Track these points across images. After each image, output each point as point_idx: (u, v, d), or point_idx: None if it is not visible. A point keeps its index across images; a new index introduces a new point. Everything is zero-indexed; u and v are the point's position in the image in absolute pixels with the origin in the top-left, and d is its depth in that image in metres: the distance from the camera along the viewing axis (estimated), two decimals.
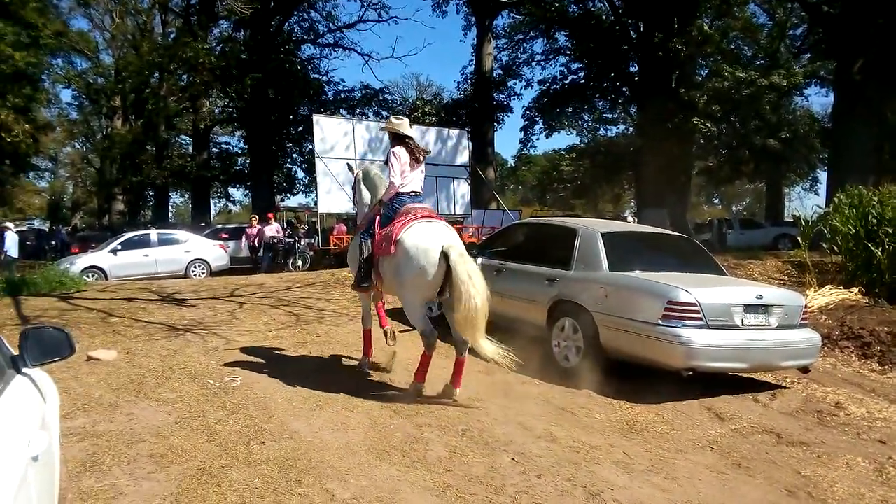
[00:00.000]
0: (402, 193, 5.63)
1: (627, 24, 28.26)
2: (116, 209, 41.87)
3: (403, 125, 5.81)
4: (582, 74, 30.28)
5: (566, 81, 30.02)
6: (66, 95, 43.29)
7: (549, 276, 6.75)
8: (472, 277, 5.09)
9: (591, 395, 6.09)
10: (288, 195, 35.14)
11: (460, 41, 67.85)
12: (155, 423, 4.78)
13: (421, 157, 5.73)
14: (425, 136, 20.58)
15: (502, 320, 7.03)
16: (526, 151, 34.07)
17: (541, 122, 30.95)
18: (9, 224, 17.46)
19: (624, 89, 31.38)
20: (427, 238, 5.31)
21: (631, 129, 32.56)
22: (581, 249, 6.65)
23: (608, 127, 31.53)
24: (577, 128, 30.81)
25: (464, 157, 21.41)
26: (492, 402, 5.69)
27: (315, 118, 19.03)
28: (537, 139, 37.04)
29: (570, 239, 6.78)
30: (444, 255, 5.17)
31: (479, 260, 7.59)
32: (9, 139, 24.15)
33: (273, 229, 18.04)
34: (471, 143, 22.20)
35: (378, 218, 5.71)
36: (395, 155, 5.63)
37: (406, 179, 5.64)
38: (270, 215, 19.23)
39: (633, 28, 28.08)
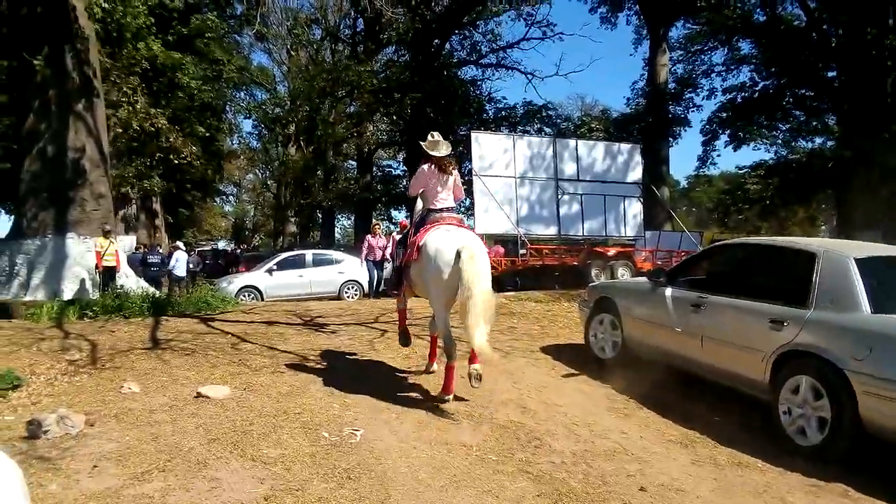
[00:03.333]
0: (433, 209, 5.90)
1: (824, 25, 24.74)
2: (289, 231, 43.99)
3: (433, 145, 5.95)
4: (772, 83, 26.85)
5: (757, 88, 26.77)
6: (247, 125, 46.29)
7: (776, 317, 4.84)
8: (476, 277, 5.14)
9: (849, 493, 4.12)
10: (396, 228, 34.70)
11: (630, 55, 65.20)
12: (238, 497, 3.58)
13: (449, 173, 5.91)
14: (592, 152, 18.88)
15: (702, 370, 5.25)
16: (705, 170, 31.03)
17: (726, 134, 27.83)
18: (179, 244, 17.98)
19: (822, 98, 27.47)
20: (443, 240, 5.47)
21: (829, 142, 28.46)
22: (824, 281, 4.69)
23: (809, 138, 27.54)
24: (771, 139, 27.20)
25: (636, 174, 19.33)
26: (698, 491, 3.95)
27: (473, 135, 17.97)
28: (718, 156, 33.68)
29: (807, 266, 4.83)
30: (458, 256, 5.22)
31: (669, 290, 5.83)
32: (195, 170, 25.74)
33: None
34: (643, 160, 19.98)
35: (412, 230, 6.14)
36: (417, 172, 6.12)
37: (432, 196, 5.92)
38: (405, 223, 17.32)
39: (831, 30, 24.53)
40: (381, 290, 14.94)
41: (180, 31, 22.59)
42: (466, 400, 5.63)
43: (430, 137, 6.06)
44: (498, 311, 10.47)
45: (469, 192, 29.63)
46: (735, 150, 28.26)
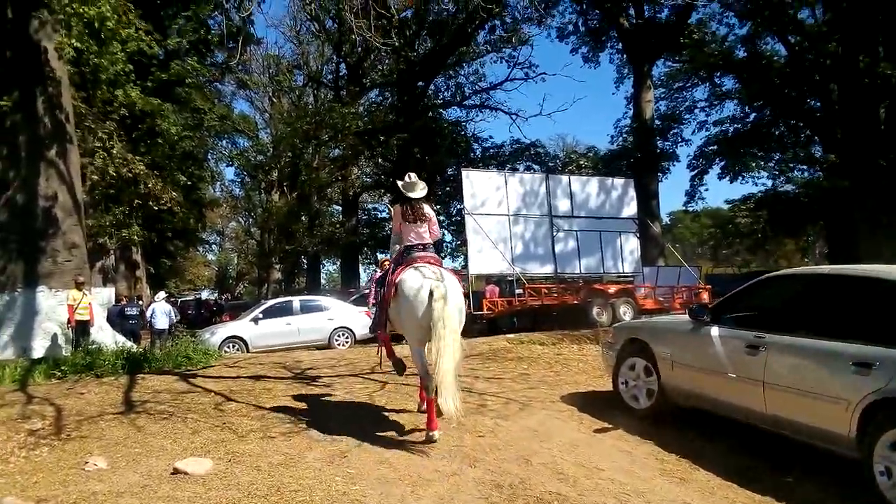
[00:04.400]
0: (409, 246, 5.93)
1: (808, 56, 24.82)
2: (274, 278, 43.17)
3: (409, 186, 6.05)
4: (763, 114, 26.82)
5: (749, 120, 26.66)
6: (229, 173, 45.81)
7: (861, 358, 4.11)
8: (446, 319, 5.21)
9: None
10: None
11: (612, 94, 65.58)
12: None
13: (421, 215, 5.94)
14: (586, 188, 18.38)
15: (764, 423, 4.54)
16: (693, 205, 30.78)
17: (718, 166, 27.61)
18: (160, 294, 17.09)
19: (809, 129, 27.45)
20: (417, 279, 5.50)
21: (816, 173, 28.35)
22: None
23: (804, 168, 27.35)
24: (768, 170, 26.99)
25: (631, 209, 18.82)
26: None
27: (464, 172, 17.40)
28: (706, 190, 33.41)
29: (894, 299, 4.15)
30: (431, 296, 5.29)
31: (716, 329, 5.14)
32: (176, 219, 25.02)
33: None
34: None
35: (391, 268, 6.07)
36: (393, 212, 6.34)
37: (409, 234, 5.95)
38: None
39: (813, 62, 24.57)
40: None
41: (160, 78, 22.11)
42: (483, 460, 4.85)
43: (406, 178, 6.17)
44: (504, 356, 9.84)
45: (462, 232, 29.28)
46: (731, 182, 28.00)
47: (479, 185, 17.01)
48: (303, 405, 6.85)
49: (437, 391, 5.14)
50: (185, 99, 24.74)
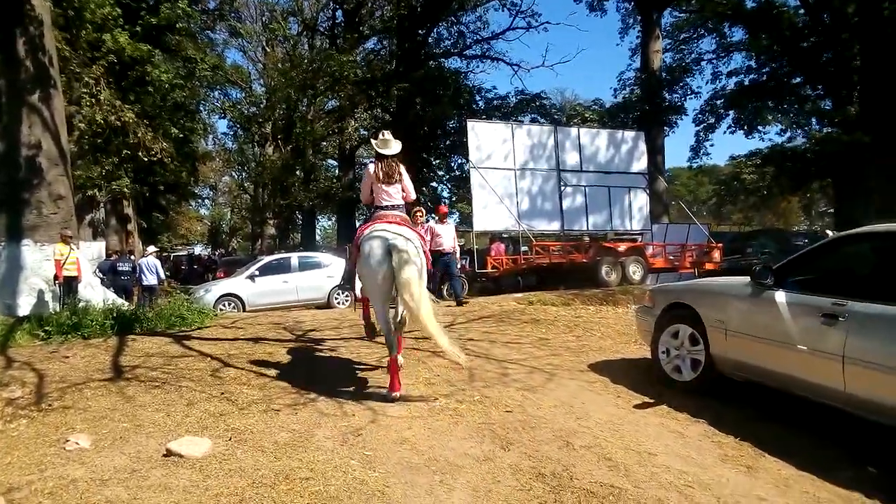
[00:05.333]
0: (379, 207, 5.93)
1: (823, 6, 23.80)
2: (268, 233, 42.41)
3: (383, 143, 5.97)
4: (768, 68, 25.91)
5: (765, 70, 25.70)
6: (222, 125, 44.68)
7: None
8: (408, 273, 5.18)
9: None
10: (433, 216, 33.26)
11: (616, 45, 63.76)
12: None
13: (392, 174, 5.91)
14: (595, 140, 17.61)
15: (845, 403, 3.98)
16: (698, 161, 29.95)
17: (728, 120, 26.74)
18: (149, 248, 16.39)
19: (819, 84, 26.54)
20: (376, 238, 5.47)
21: (827, 128, 27.57)
22: None
23: (815, 123, 26.52)
24: (786, 121, 26.12)
25: (641, 164, 18.07)
26: None
27: (470, 123, 16.57)
28: (711, 145, 32.67)
29: None
30: (388, 255, 5.31)
31: (782, 294, 4.54)
32: (168, 172, 24.18)
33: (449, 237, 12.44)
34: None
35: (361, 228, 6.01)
36: (365, 171, 6.32)
37: (379, 194, 5.94)
38: (443, 209, 13.59)
39: (825, 14, 23.58)
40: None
41: (149, 23, 20.95)
42: (517, 441, 4.29)
43: (380, 136, 6.09)
44: (518, 318, 9.26)
45: (461, 187, 28.52)
46: (747, 136, 27.15)
47: (484, 138, 16.24)
48: (307, 372, 6.28)
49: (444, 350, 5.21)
50: (175, 48, 23.62)
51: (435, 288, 14.25)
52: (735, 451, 4.36)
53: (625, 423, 4.78)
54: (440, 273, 12.88)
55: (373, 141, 6.18)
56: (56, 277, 11.45)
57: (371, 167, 6.02)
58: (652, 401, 5.28)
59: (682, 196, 55.76)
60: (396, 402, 5.17)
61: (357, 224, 36.72)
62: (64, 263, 11.53)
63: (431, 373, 6.16)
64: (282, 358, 6.93)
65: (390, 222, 5.67)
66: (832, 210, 34.70)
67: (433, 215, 16.75)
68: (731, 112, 27.47)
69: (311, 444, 4.33)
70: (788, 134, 28.68)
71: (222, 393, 5.55)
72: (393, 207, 5.90)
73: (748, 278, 5.07)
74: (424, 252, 5.77)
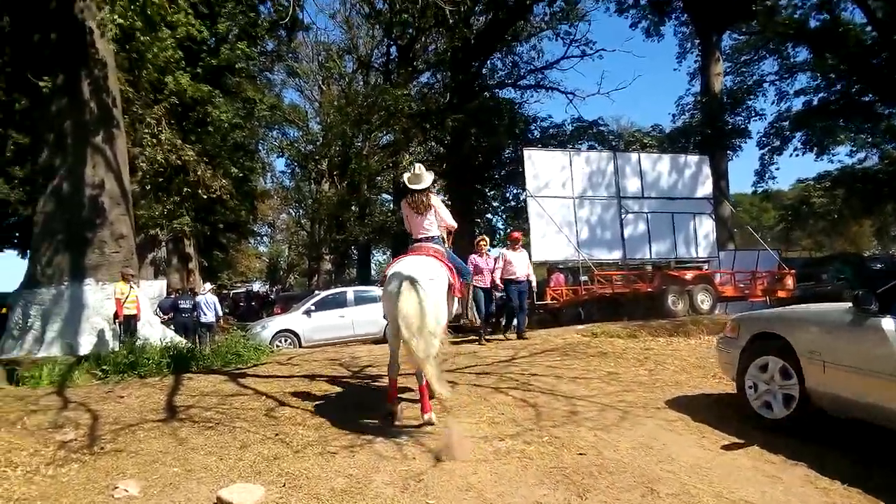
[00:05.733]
0: (415, 239, 6.06)
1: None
2: (324, 269, 42.81)
3: (412, 179, 6.09)
4: (840, 86, 24.90)
5: (836, 88, 24.68)
6: (279, 164, 45.67)
7: None
8: (405, 304, 5.11)
9: None
10: (501, 243, 32.90)
11: (674, 70, 62.50)
12: None
13: (423, 205, 5.97)
14: (657, 166, 17.03)
15: None
16: (763, 185, 28.87)
17: (796, 141, 25.71)
18: (206, 286, 16.49)
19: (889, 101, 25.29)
20: (395, 272, 5.52)
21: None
22: None
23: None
24: (860, 142, 24.95)
25: (706, 189, 17.34)
26: None
27: (526, 152, 16.25)
28: (777, 169, 31.34)
29: None
30: (399, 288, 5.24)
31: (890, 321, 4.03)
32: (228, 210, 24.68)
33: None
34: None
35: None
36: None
37: (415, 228, 6.06)
38: (516, 235, 12.22)
39: None
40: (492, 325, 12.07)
41: (210, 64, 21.54)
42: (595, 488, 3.86)
43: (413, 170, 6.19)
44: (583, 352, 8.79)
45: (516, 218, 28.12)
46: (817, 157, 25.96)
47: (541, 166, 15.87)
48: (364, 411, 5.97)
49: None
50: (235, 89, 24.24)
51: (485, 318, 13.89)
52: (844, 499, 3.82)
53: (713, 467, 4.29)
54: (501, 303, 12.48)
55: (405, 175, 6.30)
56: (116, 316, 11.54)
57: (403, 202, 6.24)
58: (741, 441, 4.75)
59: (746, 222, 54.02)
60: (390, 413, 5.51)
61: None
62: (124, 302, 11.62)
63: (495, 411, 5.77)
64: (338, 396, 6.66)
65: (417, 254, 5.82)
66: None
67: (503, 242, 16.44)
68: (797, 134, 26.39)
69: (370, 491, 4.01)
70: (858, 155, 27.44)
71: (276, 434, 5.29)
72: (427, 239, 6.01)
73: (847, 304, 4.54)
74: (451, 285, 5.80)
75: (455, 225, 6.47)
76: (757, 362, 5.12)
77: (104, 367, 7.98)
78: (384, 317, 6.72)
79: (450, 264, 5.98)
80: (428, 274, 5.49)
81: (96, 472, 4.58)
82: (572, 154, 16.78)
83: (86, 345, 11.16)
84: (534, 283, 11.93)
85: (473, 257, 10.72)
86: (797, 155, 27.27)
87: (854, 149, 26.51)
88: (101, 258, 11.92)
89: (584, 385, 6.66)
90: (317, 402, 6.31)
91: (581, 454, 4.55)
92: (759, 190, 29.80)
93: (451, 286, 5.83)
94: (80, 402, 6.47)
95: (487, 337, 10.62)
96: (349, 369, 8.37)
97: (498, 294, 12.08)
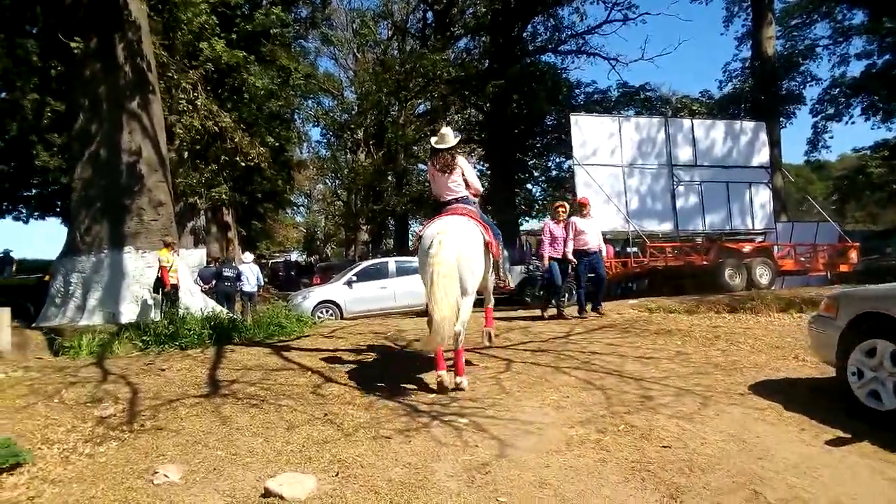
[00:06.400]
0: (441, 202, 6.06)
1: None
2: (361, 239, 42.63)
3: (440, 138, 6.10)
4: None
5: None
6: (315, 134, 45.41)
7: None
8: (437, 252, 5.13)
9: None
10: (526, 218, 32.27)
11: (721, 35, 60.17)
12: None
13: (448, 164, 5.94)
14: (711, 133, 16.22)
15: None
16: (816, 154, 27.67)
17: (858, 107, 24.43)
18: (247, 255, 16.24)
19: None
20: (429, 230, 5.56)
21: None
22: None
23: None
24: None
25: (762, 157, 16.47)
26: None
27: (573, 118, 15.57)
28: (831, 137, 29.83)
29: None
30: (431, 245, 5.27)
31: None
32: (265, 180, 24.47)
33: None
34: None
35: None
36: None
37: (442, 190, 6.04)
38: (584, 200, 11.09)
39: None
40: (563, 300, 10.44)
41: (244, 30, 21.12)
42: (689, 490, 3.38)
43: (439, 133, 6.18)
44: (644, 328, 8.26)
45: (559, 188, 27.41)
46: (885, 122, 24.61)
47: (589, 132, 15.20)
48: (416, 389, 5.58)
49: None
50: (270, 57, 23.85)
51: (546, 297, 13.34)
52: None
53: (821, 467, 3.77)
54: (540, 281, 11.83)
55: (432, 139, 6.27)
56: (164, 284, 11.32)
57: (429, 163, 6.22)
58: (848, 436, 4.19)
59: (791, 194, 52.23)
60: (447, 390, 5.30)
61: None
62: (169, 270, 11.41)
63: (559, 393, 5.30)
64: (386, 372, 6.26)
65: (449, 215, 5.72)
66: None
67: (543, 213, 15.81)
68: (855, 99, 25.02)
69: (432, 485, 3.59)
70: None
71: (325, 414, 4.90)
72: (457, 200, 5.94)
73: None
74: (487, 243, 5.74)
75: (481, 189, 6.37)
76: (862, 346, 4.53)
77: (144, 338, 7.73)
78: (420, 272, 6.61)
79: (483, 223, 5.90)
80: (462, 231, 5.46)
81: (135, 453, 4.26)
82: (622, 120, 16.04)
83: (127, 313, 10.99)
84: (605, 254, 10.79)
85: (550, 224, 9.86)
86: (852, 123, 25.97)
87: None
88: (139, 226, 11.69)
89: (652, 366, 6.15)
90: (365, 379, 5.93)
91: (665, 447, 4.06)
92: (812, 159, 28.60)
93: (487, 244, 5.77)
94: (119, 375, 6.20)
95: (548, 313, 9.94)
96: (396, 343, 8.00)
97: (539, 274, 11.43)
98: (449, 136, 6.07)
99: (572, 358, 6.57)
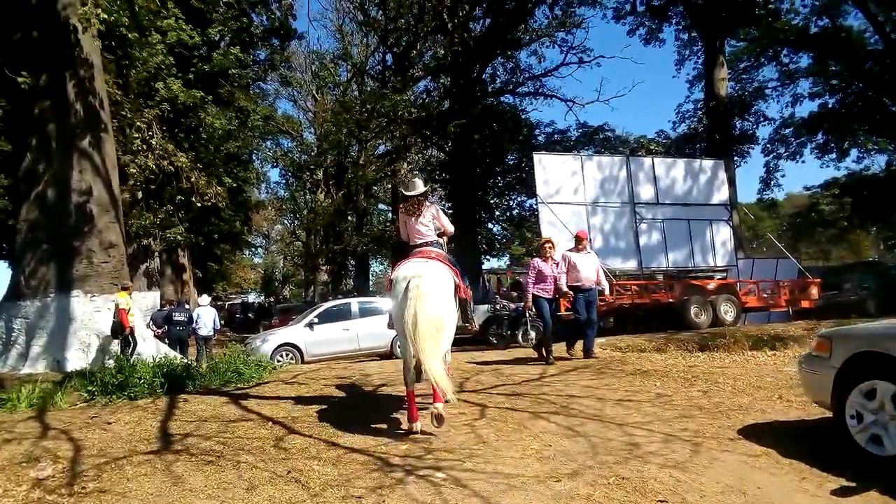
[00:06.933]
0: (413, 245, 6.12)
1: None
2: (320, 280, 41.99)
3: (411, 185, 6.29)
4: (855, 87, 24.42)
5: (852, 90, 24.15)
6: (274, 175, 45.04)
7: None
8: (417, 301, 5.13)
9: None
10: (487, 257, 32.18)
11: (672, 77, 62.30)
12: None
13: (418, 208, 6.10)
14: (671, 171, 16.37)
15: None
16: (768, 192, 28.36)
17: (810, 146, 25.13)
18: (204, 298, 15.63)
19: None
20: (401, 272, 5.58)
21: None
22: None
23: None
24: (882, 144, 24.37)
25: (722, 195, 16.67)
26: None
27: (536, 156, 15.57)
28: (782, 176, 30.70)
29: None
30: (407, 289, 5.29)
31: None
32: (222, 221, 23.95)
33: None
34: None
35: None
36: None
37: (412, 234, 6.17)
38: (582, 234, 10.42)
39: None
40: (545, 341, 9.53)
41: (202, 70, 20.78)
42: None
43: (409, 179, 6.49)
44: (618, 368, 8.04)
45: (526, 225, 27.41)
46: (839, 160, 25.46)
47: (552, 171, 15.18)
48: (387, 440, 5.18)
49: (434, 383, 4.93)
50: (228, 98, 23.54)
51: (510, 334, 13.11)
52: None
53: None
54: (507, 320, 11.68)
55: (400, 188, 6.68)
56: (123, 329, 10.81)
57: (400, 208, 6.44)
58: (853, 484, 3.95)
59: (742, 233, 53.46)
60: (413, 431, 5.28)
61: None
62: (128, 314, 10.91)
63: (541, 442, 4.98)
64: (354, 422, 5.84)
65: (420, 257, 5.81)
66: None
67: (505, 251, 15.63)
68: (806, 138, 25.83)
69: None
70: (865, 161, 26.93)
71: (289, 471, 4.48)
72: (426, 244, 6.06)
73: None
74: (458, 286, 5.82)
75: (452, 229, 6.46)
76: (861, 387, 4.31)
77: (90, 388, 7.17)
78: (388, 325, 6.75)
79: (452, 266, 5.95)
80: (434, 274, 5.50)
81: None
82: (584, 159, 16.12)
83: (73, 360, 10.40)
84: (606, 289, 10.19)
85: (537, 262, 9.31)
86: (803, 162, 26.81)
87: (862, 154, 25.99)
88: (89, 268, 11.15)
89: (634, 409, 5.88)
90: (331, 430, 5.52)
91: (661, 502, 3.77)
92: (766, 197, 29.28)
93: (457, 287, 5.84)
94: (61, 430, 5.67)
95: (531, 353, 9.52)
96: (362, 389, 7.60)
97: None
98: (419, 184, 6.24)
99: (550, 402, 6.27)
